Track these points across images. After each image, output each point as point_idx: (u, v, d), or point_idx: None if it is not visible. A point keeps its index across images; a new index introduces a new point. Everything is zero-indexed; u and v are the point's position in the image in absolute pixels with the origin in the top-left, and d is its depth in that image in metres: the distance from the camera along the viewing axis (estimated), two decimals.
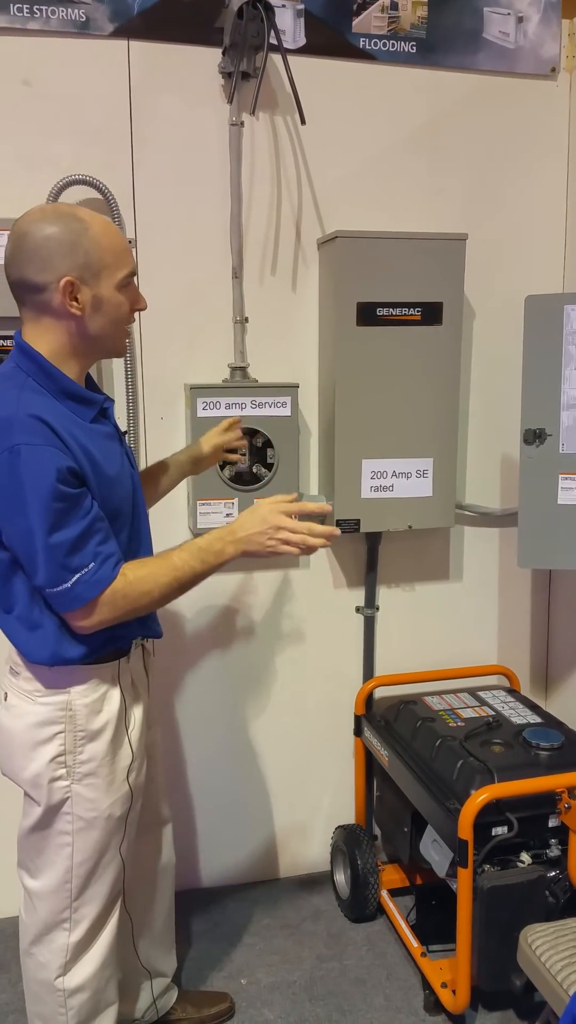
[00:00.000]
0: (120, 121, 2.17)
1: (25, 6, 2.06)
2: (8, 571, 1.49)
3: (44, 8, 2.07)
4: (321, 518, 1.84)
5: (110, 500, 1.50)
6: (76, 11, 2.09)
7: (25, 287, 1.45)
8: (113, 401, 1.63)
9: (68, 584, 1.41)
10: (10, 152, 2.11)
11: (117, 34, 2.13)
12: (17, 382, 1.46)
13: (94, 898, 1.63)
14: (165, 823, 1.94)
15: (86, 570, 1.41)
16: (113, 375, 2.26)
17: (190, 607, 2.42)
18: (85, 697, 1.57)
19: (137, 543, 1.62)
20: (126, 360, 2.23)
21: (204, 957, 2.28)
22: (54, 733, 1.55)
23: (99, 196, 2.15)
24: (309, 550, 1.50)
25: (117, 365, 2.25)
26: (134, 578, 1.47)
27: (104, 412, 1.56)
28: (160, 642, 2.37)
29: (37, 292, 1.44)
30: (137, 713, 1.66)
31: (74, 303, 1.44)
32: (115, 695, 1.60)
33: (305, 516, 1.59)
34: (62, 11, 2.08)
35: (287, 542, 1.49)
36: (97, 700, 1.58)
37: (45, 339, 1.47)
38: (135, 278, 1.55)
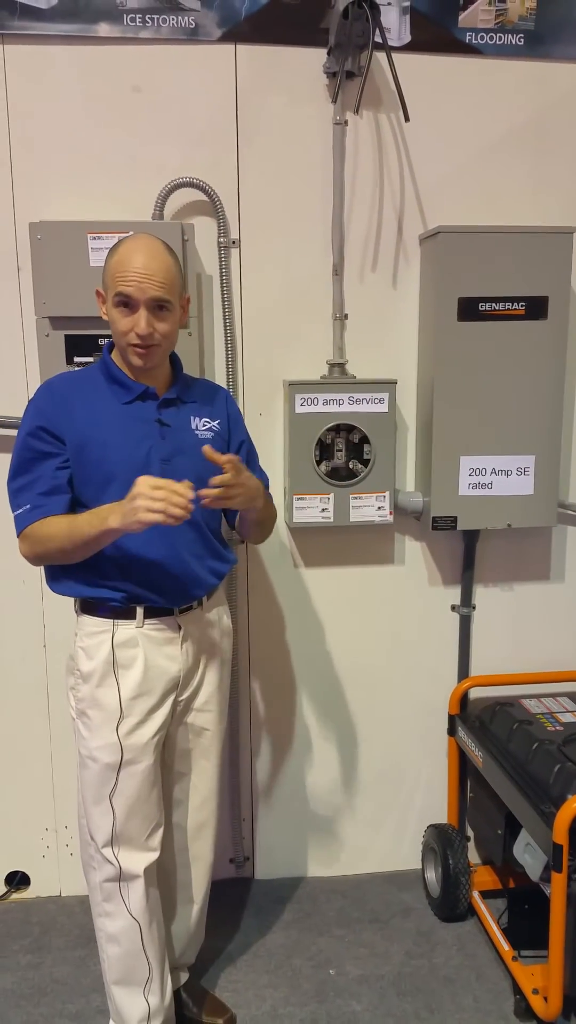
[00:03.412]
0: (227, 124, 2.23)
1: (138, 16, 2.14)
2: None
3: (156, 17, 2.14)
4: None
5: (103, 463, 1.69)
6: (186, 18, 2.15)
7: None
8: (176, 398, 1.79)
9: (14, 514, 1.72)
10: (121, 157, 2.20)
11: (225, 39, 2.18)
12: (89, 366, 1.83)
13: (96, 830, 1.78)
14: (202, 826, 1.97)
15: (22, 509, 1.70)
16: (215, 372, 2.32)
17: (286, 603, 2.46)
18: (83, 640, 1.79)
19: None
20: (227, 357, 2.29)
21: (293, 945, 2.32)
22: (72, 665, 1.82)
23: (205, 198, 2.21)
24: (173, 517, 1.53)
25: (219, 362, 2.31)
26: (47, 525, 1.67)
27: (145, 396, 1.75)
28: (254, 637, 2.44)
29: None
30: (133, 679, 1.75)
31: (103, 311, 1.73)
32: (105, 649, 1.75)
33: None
34: (173, 19, 2.15)
35: (149, 509, 1.53)
36: (92, 647, 1.77)
37: None
38: (139, 306, 1.65)
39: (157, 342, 1.68)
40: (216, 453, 1.63)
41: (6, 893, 2.53)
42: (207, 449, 1.63)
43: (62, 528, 1.66)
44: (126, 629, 1.76)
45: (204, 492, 1.60)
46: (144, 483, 1.54)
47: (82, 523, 1.64)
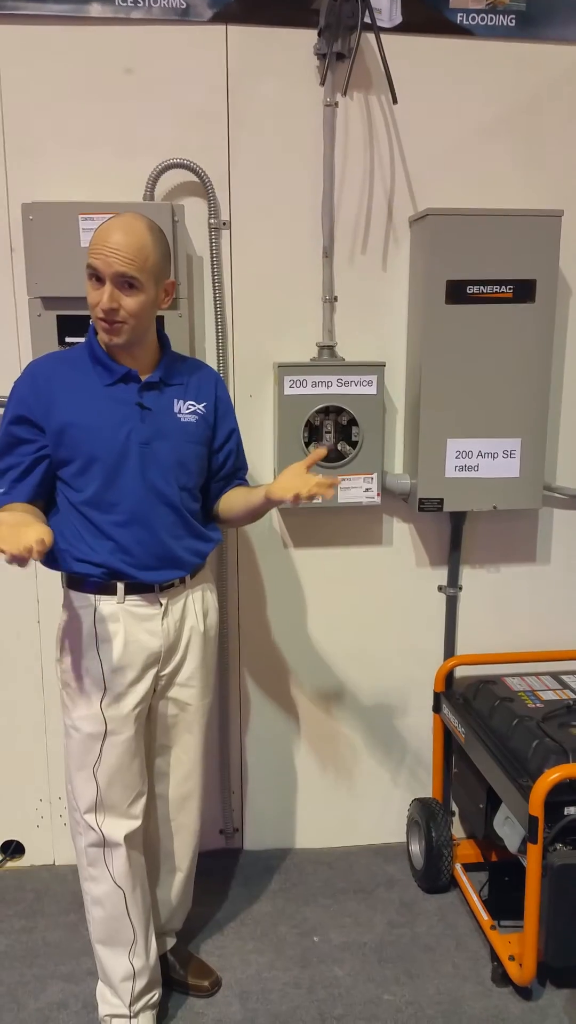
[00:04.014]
0: (217, 105, 2.24)
1: None
2: None
3: None
4: None
5: (83, 446, 1.74)
6: None
7: None
8: (159, 381, 1.80)
9: None
10: (112, 138, 2.21)
11: (216, 19, 2.19)
12: (77, 346, 1.86)
13: (79, 797, 1.85)
14: (186, 797, 2.02)
15: None
16: (205, 354, 2.34)
17: (275, 582, 2.50)
18: (68, 613, 1.86)
19: (116, 493, 1.76)
20: (218, 339, 2.31)
21: (279, 913, 2.38)
22: (59, 637, 1.89)
23: (196, 179, 2.23)
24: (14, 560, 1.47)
25: (210, 344, 2.34)
26: (3, 510, 1.69)
27: (128, 379, 1.77)
28: (243, 616, 2.49)
29: None
30: (114, 653, 1.80)
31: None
32: (87, 623, 1.81)
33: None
34: (164, 0, 2.16)
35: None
36: (73, 619, 1.84)
37: None
38: (106, 280, 1.66)
39: (123, 318, 1.69)
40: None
41: (1, 861, 2.60)
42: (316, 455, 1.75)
43: None
44: (108, 604, 1.80)
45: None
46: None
47: None
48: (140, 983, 1.91)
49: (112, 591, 1.80)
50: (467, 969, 2.17)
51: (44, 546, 1.45)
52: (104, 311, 1.68)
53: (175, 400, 1.83)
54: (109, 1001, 1.94)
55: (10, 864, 2.60)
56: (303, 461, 1.77)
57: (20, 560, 1.44)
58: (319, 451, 1.81)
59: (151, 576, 1.81)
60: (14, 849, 2.61)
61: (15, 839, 2.61)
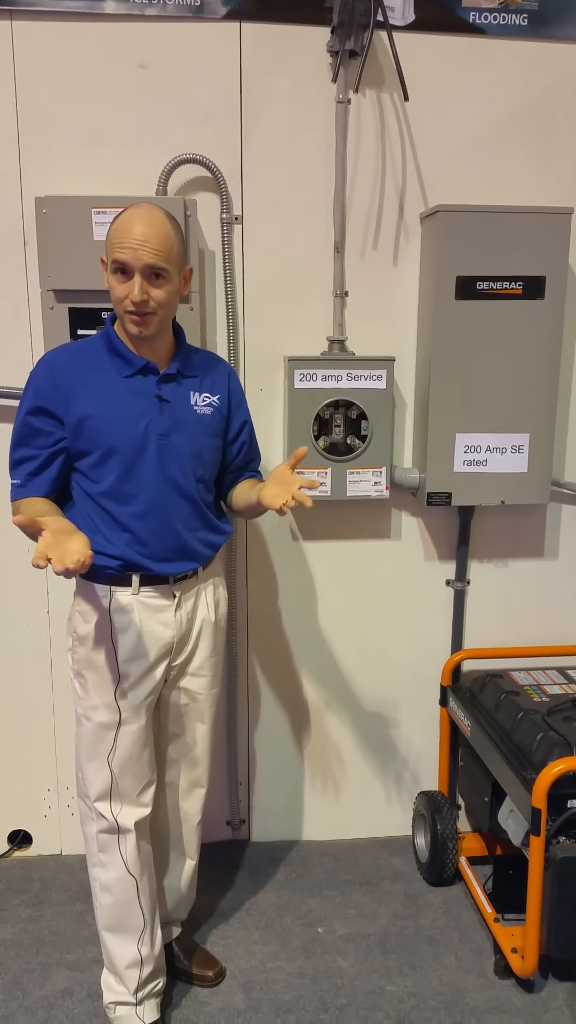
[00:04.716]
0: (231, 101, 2.26)
1: None
2: None
3: None
4: None
5: (102, 437, 1.75)
6: None
7: None
8: (177, 373, 1.82)
9: (11, 482, 1.81)
10: (126, 132, 2.24)
11: (230, 16, 2.21)
12: (92, 337, 1.86)
13: (89, 785, 1.86)
14: (195, 784, 2.04)
15: (14, 482, 1.80)
16: (217, 347, 2.36)
17: (284, 574, 2.52)
18: (81, 604, 1.86)
19: (134, 485, 1.78)
20: (228, 333, 2.33)
21: (284, 904, 2.39)
22: (70, 627, 1.89)
23: (208, 174, 2.25)
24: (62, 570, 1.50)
25: (221, 337, 2.36)
26: (23, 504, 1.76)
27: (146, 371, 1.78)
28: (252, 607, 2.50)
29: None
30: (128, 643, 1.81)
31: (105, 279, 1.74)
32: (101, 613, 1.82)
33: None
34: None
35: (36, 561, 1.50)
36: (89, 611, 1.84)
37: None
38: (134, 273, 1.68)
39: (152, 309, 1.71)
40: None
41: (9, 851, 2.62)
42: (302, 453, 1.73)
43: (26, 509, 1.73)
44: (122, 595, 1.82)
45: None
46: (42, 540, 1.52)
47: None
48: (146, 970, 1.93)
49: (127, 583, 1.82)
50: (470, 961, 2.18)
51: (89, 559, 1.51)
52: (135, 303, 1.69)
53: (192, 392, 1.84)
54: (114, 988, 1.95)
55: (18, 853, 2.62)
56: (287, 462, 1.76)
57: (69, 573, 1.48)
58: (300, 451, 1.74)
59: (166, 568, 1.83)
60: (22, 838, 2.63)
61: (23, 828, 2.63)
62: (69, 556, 1.49)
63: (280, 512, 1.68)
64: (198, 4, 2.19)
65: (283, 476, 1.74)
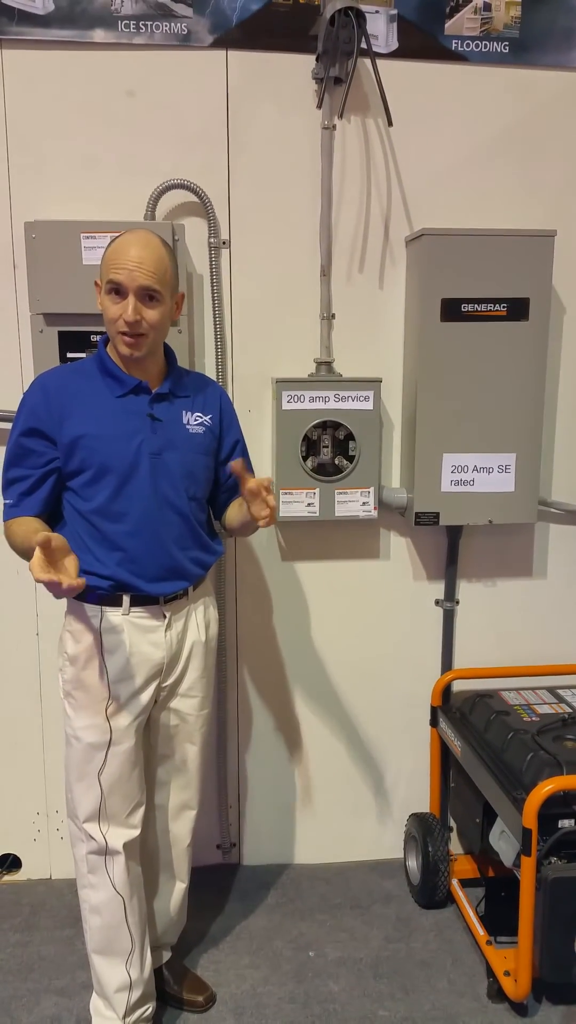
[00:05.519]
0: (217, 128, 2.29)
1: (132, 22, 2.20)
2: None
3: (149, 24, 2.21)
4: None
5: (95, 457, 1.76)
6: (179, 25, 2.22)
7: None
8: (169, 392, 1.85)
9: (3, 502, 1.82)
10: (114, 159, 2.26)
11: (216, 45, 2.24)
12: (85, 359, 1.89)
13: (78, 806, 1.86)
14: (185, 806, 2.04)
15: (6, 502, 1.81)
16: (205, 369, 2.38)
17: (273, 595, 2.52)
18: (71, 624, 1.86)
19: (125, 503, 1.79)
20: (217, 355, 2.35)
21: (275, 928, 2.37)
22: (60, 648, 1.89)
23: (196, 199, 2.27)
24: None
25: (209, 360, 2.37)
26: (17, 523, 1.77)
27: (138, 390, 1.80)
28: (242, 628, 2.50)
29: None
30: (118, 664, 1.82)
31: (99, 301, 1.77)
32: (91, 634, 1.82)
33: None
34: (166, 26, 2.22)
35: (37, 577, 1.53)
36: (79, 631, 1.84)
37: None
38: (128, 294, 1.70)
39: (145, 331, 1.73)
40: (247, 474, 1.74)
41: None
42: (238, 465, 1.71)
43: (22, 533, 1.74)
44: (113, 615, 1.82)
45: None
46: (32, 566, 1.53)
47: (29, 538, 1.67)
48: (135, 994, 1.90)
49: (118, 603, 1.82)
50: (463, 985, 2.16)
51: (81, 585, 1.51)
52: (128, 323, 1.71)
53: (184, 412, 1.86)
54: (103, 1014, 1.93)
55: (7, 878, 2.60)
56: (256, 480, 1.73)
57: (71, 591, 1.50)
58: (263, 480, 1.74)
59: (156, 588, 1.83)
60: (11, 863, 2.61)
61: (12, 853, 2.60)
62: (67, 574, 1.52)
63: (264, 526, 1.73)
64: (185, 33, 2.23)
65: (254, 491, 1.74)
